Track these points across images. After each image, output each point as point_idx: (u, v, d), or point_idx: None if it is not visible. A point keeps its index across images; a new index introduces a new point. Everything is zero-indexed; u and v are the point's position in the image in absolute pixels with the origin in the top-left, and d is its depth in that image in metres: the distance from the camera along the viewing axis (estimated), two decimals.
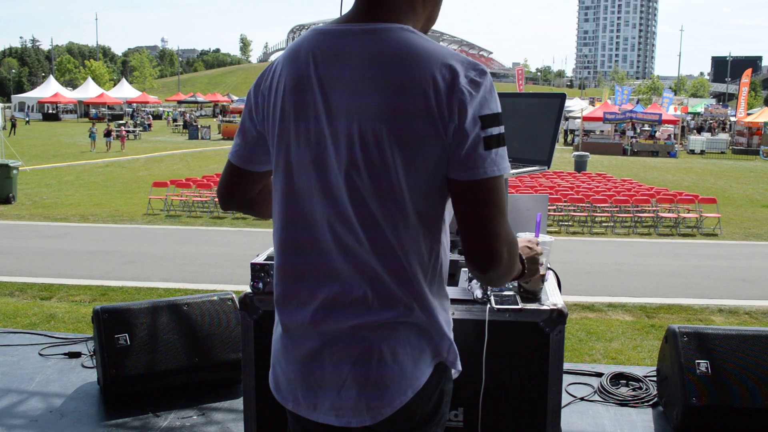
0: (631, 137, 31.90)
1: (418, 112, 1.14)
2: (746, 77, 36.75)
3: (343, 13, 1.31)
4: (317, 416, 1.28)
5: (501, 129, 1.17)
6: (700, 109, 44.50)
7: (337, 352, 1.24)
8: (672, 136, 32.26)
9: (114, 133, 27.96)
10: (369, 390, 1.22)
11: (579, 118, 34.62)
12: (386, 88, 1.16)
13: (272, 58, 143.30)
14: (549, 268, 2.48)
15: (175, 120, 46.02)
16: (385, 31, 1.20)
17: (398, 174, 1.17)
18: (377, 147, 1.16)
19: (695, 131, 38.58)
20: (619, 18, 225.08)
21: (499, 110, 1.18)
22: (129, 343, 3.37)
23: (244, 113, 1.38)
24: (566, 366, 3.45)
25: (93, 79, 58.97)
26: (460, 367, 1.34)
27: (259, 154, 1.37)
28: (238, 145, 1.40)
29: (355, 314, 1.23)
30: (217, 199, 1.77)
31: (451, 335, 1.30)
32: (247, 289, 2.31)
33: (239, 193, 1.46)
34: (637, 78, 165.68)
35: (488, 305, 2.09)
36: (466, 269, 2.10)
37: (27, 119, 46.74)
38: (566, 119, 37.04)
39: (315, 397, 1.27)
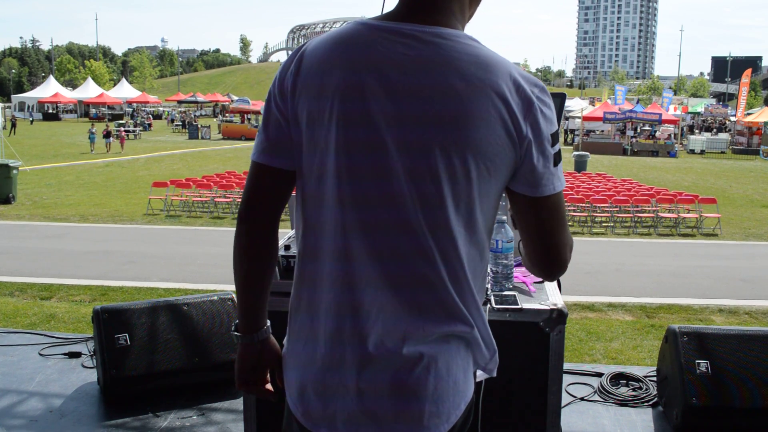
0: (631, 137, 31.91)
1: (493, 123, 1.14)
2: (746, 77, 36.81)
3: (386, 9, 1.27)
4: None
5: (560, 144, 1.24)
6: (700, 109, 44.52)
7: (390, 367, 1.17)
8: (672, 136, 32.28)
9: (114, 134, 27.37)
10: (429, 406, 1.18)
11: (579, 118, 34.64)
12: (461, 97, 1.13)
13: (272, 58, 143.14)
14: None
15: (173, 120, 45.96)
16: (454, 39, 1.17)
17: (471, 183, 1.15)
18: (451, 155, 1.14)
19: (703, 130, 38.44)
20: (619, 18, 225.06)
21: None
22: (129, 343, 3.37)
23: (269, 106, 1.27)
24: (566, 366, 3.45)
25: (93, 79, 59.01)
26: (495, 373, 1.32)
27: (287, 146, 1.25)
28: (262, 142, 1.28)
29: (412, 326, 1.17)
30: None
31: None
32: None
33: (266, 199, 1.30)
34: (637, 78, 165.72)
35: (488, 305, 2.09)
36: None
37: (31, 120, 46.77)
38: (566, 119, 37.05)
39: (358, 423, 1.19)
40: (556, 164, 1.20)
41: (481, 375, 1.31)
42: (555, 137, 1.21)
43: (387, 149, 1.15)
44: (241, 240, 1.32)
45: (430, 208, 1.15)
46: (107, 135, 26.45)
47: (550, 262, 1.24)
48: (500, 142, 1.15)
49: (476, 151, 1.14)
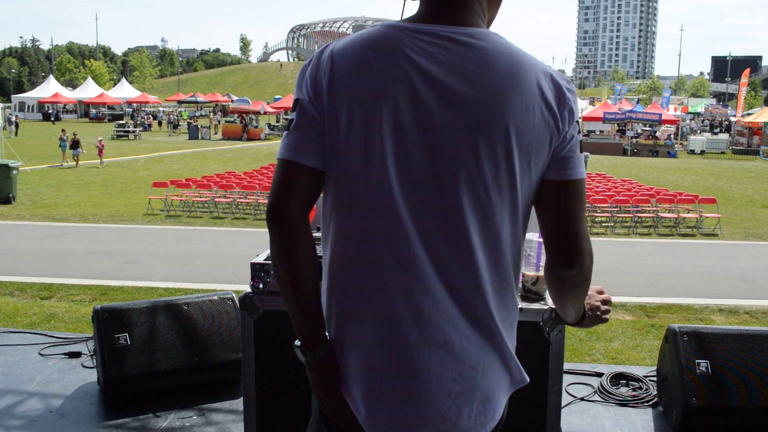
0: (631, 137, 31.91)
1: (536, 117, 1.18)
2: (744, 77, 36.87)
3: (407, 12, 1.29)
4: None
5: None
6: (700, 109, 44.52)
7: (450, 364, 1.22)
8: (672, 136, 32.28)
9: (81, 146, 21.55)
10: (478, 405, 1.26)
11: (579, 118, 34.68)
12: (503, 95, 1.17)
13: (272, 58, 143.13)
14: None
15: (160, 123, 45.00)
16: (486, 38, 1.20)
17: (515, 180, 1.19)
18: (497, 153, 1.17)
19: (709, 130, 38.31)
20: (619, 18, 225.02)
21: None
22: (129, 342, 3.37)
23: (303, 107, 1.22)
24: (566, 366, 3.45)
25: (93, 79, 59.03)
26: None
27: (321, 146, 1.21)
28: (296, 140, 1.22)
29: (465, 327, 1.24)
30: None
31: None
32: (247, 288, 2.31)
33: (296, 197, 1.21)
34: (637, 78, 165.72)
35: None
36: None
37: (53, 120, 46.73)
38: None
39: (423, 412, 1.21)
40: (582, 151, 1.27)
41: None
42: (579, 125, 1.28)
43: (438, 153, 1.17)
44: (277, 243, 1.22)
45: (481, 210, 1.19)
46: (75, 145, 21.31)
47: (571, 248, 1.27)
48: (543, 137, 1.20)
49: (522, 147, 1.18)
